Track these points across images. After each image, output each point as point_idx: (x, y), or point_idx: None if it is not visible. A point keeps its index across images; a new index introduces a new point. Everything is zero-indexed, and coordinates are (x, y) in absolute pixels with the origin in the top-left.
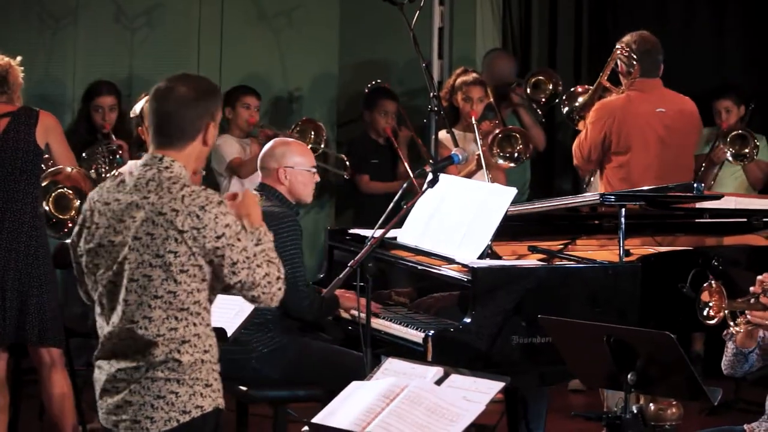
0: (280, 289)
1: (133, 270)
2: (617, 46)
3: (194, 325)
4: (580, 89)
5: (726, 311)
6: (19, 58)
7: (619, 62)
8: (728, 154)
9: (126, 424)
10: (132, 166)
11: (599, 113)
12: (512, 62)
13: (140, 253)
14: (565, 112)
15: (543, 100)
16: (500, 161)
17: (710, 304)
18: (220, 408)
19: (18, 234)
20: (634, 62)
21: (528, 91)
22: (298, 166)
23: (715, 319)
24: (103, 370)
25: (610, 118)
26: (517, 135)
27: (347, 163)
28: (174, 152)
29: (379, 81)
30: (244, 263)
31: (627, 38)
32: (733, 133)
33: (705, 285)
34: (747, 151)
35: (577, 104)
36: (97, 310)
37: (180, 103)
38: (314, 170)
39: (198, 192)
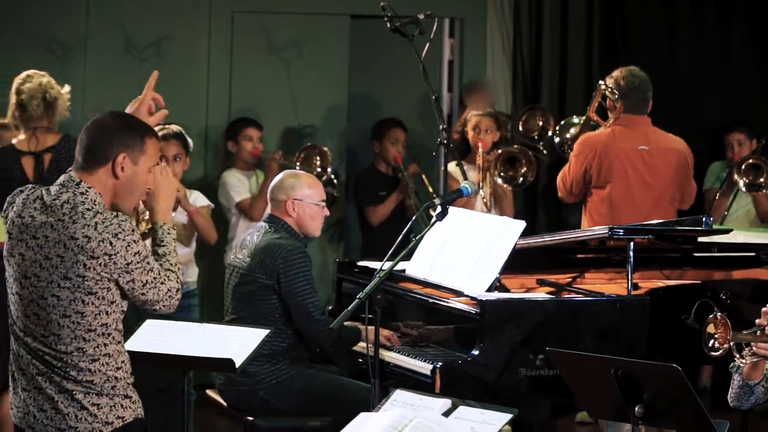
0: (178, 299)
1: (43, 288)
2: (600, 82)
3: (104, 345)
4: (575, 119)
5: (731, 343)
6: (67, 87)
7: (606, 98)
8: (741, 183)
9: (48, 429)
10: None
11: (581, 147)
12: (489, 94)
13: (50, 273)
14: (557, 142)
15: (535, 135)
16: (500, 181)
17: (715, 336)
18: (140, 418)
19: None
20: (618, 98)
21: (520, 128)
22: (306, 199)
23: (720, 351)
24: (24, 371)
25: (591, 152)
26: (521, 157)
27: (335, 181)
28: (85, 175)
29: (387, 118)
30: (152, 283)
31: (616, 73)
32: (747, 162)
33: (710, 317)
34: (762, 180)
35: (568, 136)
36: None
37: (97, 127)
38: (323, 204)
39: (110, 219)
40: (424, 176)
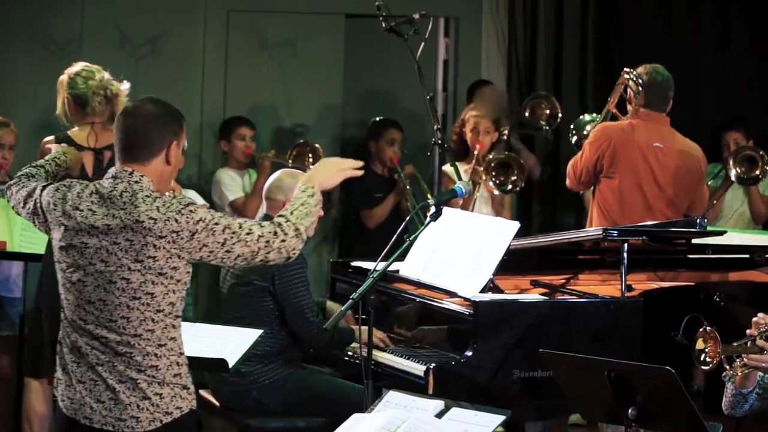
0: (283, 240)
1: (111, 273)
2: (625, 69)
3: (172, 327)
4: (587, 117)
5: (722, 356)
6: (127, 84)
7: (628, 89)
8: (733, 173)
9: (107, 420)
10: None
11: (597, 134)
12: (502, 94)
13: (118, 257)
14: (573, 141)
15: (543, 124)
16: (490, 184)
17: (706, 350)
18: (194, 409)
19: None
20: (640, 88)
21: (527, 115)
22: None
23: (711, 365)
24: (81, 361)
25: (607, 141)
26: (513, 164)
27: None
28: (140, 167)
29: (383, 118)
30: (231, 240)
31: (640, 69)
32: (743, 153)
33: (699, 331)
34: (758, 173)
35: (585, 132)
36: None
37: (146, 119)
38: (320, 204)
39: (169, 200)
40: (419, 177)
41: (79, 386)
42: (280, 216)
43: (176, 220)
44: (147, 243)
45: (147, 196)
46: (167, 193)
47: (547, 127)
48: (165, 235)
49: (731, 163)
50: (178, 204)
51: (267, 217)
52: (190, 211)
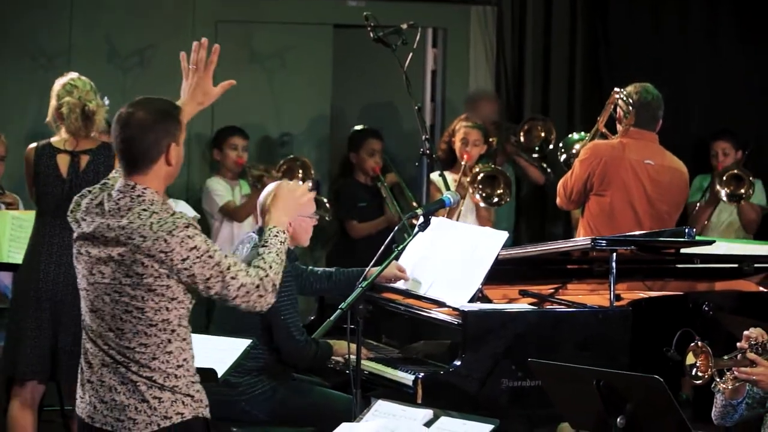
0: (261, 296)
1: (106, 285)
2: (615, 89)
3: (167, 341)
4: (576, 136)
5: (713, 370)
6: (107, 100)
7: (618, 108)
8: (723, 193)
9: (107, 420)
10: None
11: (588, 152)
12: (496, 103)
13: (112, 270)
14: (562, 160)
15: (537, 146)
16: (477, 197)
17: (697, 365)
18: (200, 417)
19: None
20: (630, 108)
21: (522, 137)
22: (302, 214)
23: (703, 380)
24: (92, 360)
25: (598, 159)
26: (500, 178)
27: (327, 204)
28: (141, 176)
29: (365, 126)
30: (216, 278)
31: (630, 88)
32: (728, 173)
33: (691, 345)
34: (743, 191)
35: (574, 151)
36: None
37: (140, 128)
38: (317, 216)
39: (165, 218)
40: (403, 185)
41: (87, 386)
42: (260, 268)
43: (166, 240)
44: (136, 260)
45: (144, 210)
46: (168, 210)
47: (543, 161)
48: (153, 254)
49: (719, 185)
50: (173, 224)
51: (262, 231)
52: (188, 235)
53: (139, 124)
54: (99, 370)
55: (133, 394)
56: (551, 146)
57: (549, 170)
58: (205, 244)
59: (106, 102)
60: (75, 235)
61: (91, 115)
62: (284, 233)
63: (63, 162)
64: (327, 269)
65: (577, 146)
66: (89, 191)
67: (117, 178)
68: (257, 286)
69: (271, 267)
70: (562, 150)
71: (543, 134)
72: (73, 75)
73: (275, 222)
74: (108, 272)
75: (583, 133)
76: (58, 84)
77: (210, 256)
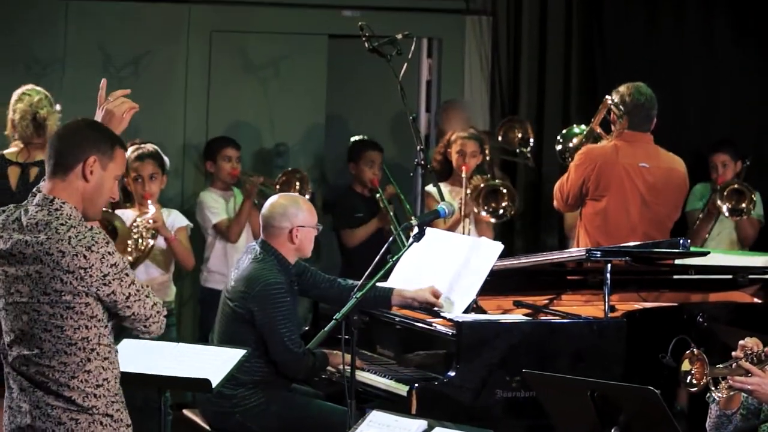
0: (165, 317)
1: (24, 303)
2: (607, 96)
3: (86, 360)
4: (576, 129)
5: (708, 378)
6: (58, 106)
7: (611, 113)
8: (725, 208)
9: None
10: None
11: (583, 158)
12: (466, 111)
13: (30, 288)
14: (558, 150)
15: (517, 149)
16: (484, 214)
17: (692, 372)
18: None
19: None
20: (623, 114)
21: (500, 140)
22: (308, 224)
23: (698, 387)
24: (12, 385)
25: (592, 164)
26: (504, 191)
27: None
28: (57, 181)
29: (364, 137)
30: (135, 296)
31: (622, 89)
32: (729, 188)
33: (686, 353)
34: (744, 205)
35: (570, 145)
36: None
37: (68, 130)
38: (320, 226)
39: (84, 233)
40: (401, 196)
41: (8, 411)
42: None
43: (85, 256)
44: (54, 276)
45: (62, 224)
46: (87, 225)
47: (528, 155)
48: (72, 270)
49: (719, 200)
50: (91, 239)
51: (265, 245)
52: (108, 252)
53: (70, 127)
54: (20, 393)
55: (48, 418)
56: (530, 142)
57: (531, 159)
58: (123, 262)
59: (58, 108)
60: None
61: (42, 122)
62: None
63: (13, 174)
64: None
65: (575, 140)
66: (3, 210)
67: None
68: (163, 305)
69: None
70: (560, 141)
71: (520, 134)
72: (29, 86)
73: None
74: (25, 291)
75: (583, 126)
76: (14, 95)
77: (127, 274)
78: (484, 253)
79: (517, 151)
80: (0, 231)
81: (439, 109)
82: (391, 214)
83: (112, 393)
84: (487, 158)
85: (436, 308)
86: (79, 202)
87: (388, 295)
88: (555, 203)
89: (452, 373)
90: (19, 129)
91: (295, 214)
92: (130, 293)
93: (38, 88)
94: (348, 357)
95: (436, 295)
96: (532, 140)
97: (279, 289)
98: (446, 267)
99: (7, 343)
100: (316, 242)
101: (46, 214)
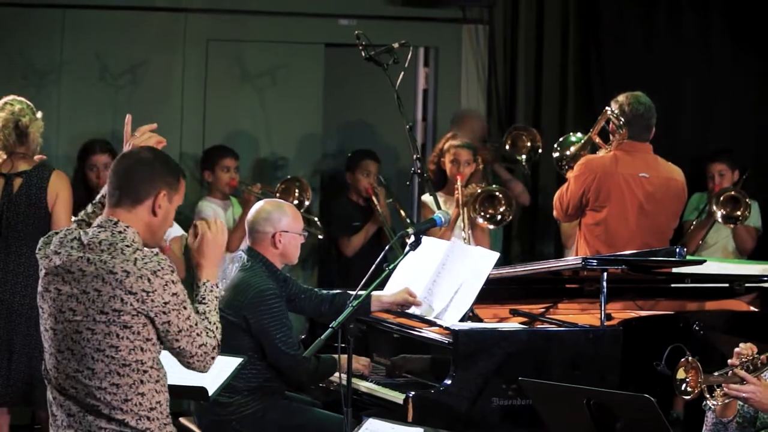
0: (213, 358)
1: (78, 322)
2: (607, 108)
3: (140, 382)
4: (573, 138)
5: (703, 386)
6: (40, 114)
7: (610, 123)
8: (719, 215)
9: None
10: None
11: (582, 169)
12: (483, 121)
13: (86, 306)
14: (555, 157)
15: (524, 157)
16: (481, 220)
17: (687, 380)
18: None
19: (26, 297)
20: (622, 125)
21: (507, 148)
22: (292, 230)
23: (692, 395)
24: (57, 411)
25: (591, 175)
26: (500, 195)
27: (318, 223)
28: (124, 213)
29: (360, 149)
30: (186, 332)
31: (621, 98)
32: (725, 195)
33: (681, 360)
34: (739, 213)
35: (567, 153)
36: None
37: (137, 161)
38: (305, 233)
39: (150, 257)
40: (398, 204)
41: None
42: (210, 330)
43: (149, 279)
44: (115, 295)
45: (127, 246)
46: (152, 250)
47: (525, 162)
48: (135, 291)
49: (715, 206)
50: (157, 264)
51: (251, 251)
52: (172, 280)
53: (140, 157)
54: (65, 422)
55: None
56: (539, 152)
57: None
58: (183, 294)
59: (39, 115)
60: (43, 272)
61: (25, 129)
62: (218, 286)
63: None
64: (329, 292)
65: (572, 149)
66: (57, 231)
67: (91, 215)
68: (213, 348)
69: (217, 327)
70: (557, 149)
71: (529, 144)
72: (10, 97)
73: (208, 276)
74: (80, 309)
75: (579, 135)
76: None
77: (185, 307)
78: (481, 262)
79: (522, 158)
80: (58, 247)
81: (454, 117)
82: (382, 211)
83: (165, 416)
84: (480, 167)
85: (432, 317)
86: (143, 231)
87: (367, 301)
88: (555, 213)
89: (448, 381)
90: (1, 138)
91: (279, 219)
92: (182, 327)
93: (22, 99)
94: (344, 365)
95: (412, 295)
96: (540, 148)
97: (271, 295)
98: (443, 275)
99: (53, 365)
100: (316, 252)
101: (109, 235)
